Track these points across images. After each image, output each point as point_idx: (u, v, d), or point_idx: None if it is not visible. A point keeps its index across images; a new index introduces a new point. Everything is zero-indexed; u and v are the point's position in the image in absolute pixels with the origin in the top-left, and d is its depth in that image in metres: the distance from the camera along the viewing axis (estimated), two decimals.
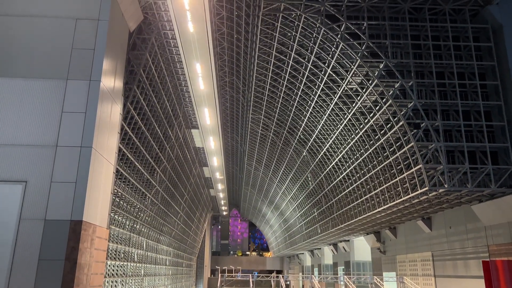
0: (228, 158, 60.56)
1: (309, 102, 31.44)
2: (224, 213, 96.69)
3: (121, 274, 27.12)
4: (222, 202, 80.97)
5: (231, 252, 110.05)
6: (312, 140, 36.56)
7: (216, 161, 51.90)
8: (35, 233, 17.57)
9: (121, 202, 26.94)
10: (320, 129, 33.75)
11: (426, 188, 22.24)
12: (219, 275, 36.76)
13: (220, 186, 66.57)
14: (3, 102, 19.29)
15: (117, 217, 26.37)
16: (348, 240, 50.30)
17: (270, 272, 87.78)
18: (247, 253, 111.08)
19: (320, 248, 64.11)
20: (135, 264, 30.86)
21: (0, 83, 19.54)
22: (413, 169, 23.17)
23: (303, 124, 35.63)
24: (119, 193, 25.76)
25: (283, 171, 50.59)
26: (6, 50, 20.28)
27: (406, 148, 23.37)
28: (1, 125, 18.91)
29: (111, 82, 21.64)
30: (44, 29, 20.68)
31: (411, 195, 23.81)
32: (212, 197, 76.64)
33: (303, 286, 70.67)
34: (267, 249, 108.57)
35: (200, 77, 31.57)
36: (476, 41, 24.49)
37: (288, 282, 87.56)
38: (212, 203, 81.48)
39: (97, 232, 19.94)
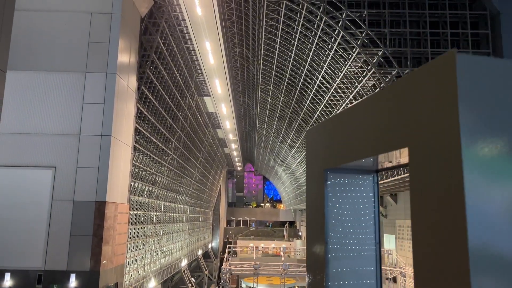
0: (240, 119, 62.46)
1: (319, 69, 31.76)
2: (239, 168, 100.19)
3: (141, 236, 30.23)
4: (236, 159, 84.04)
5: (246, 204, 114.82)
6: (315, 116, 38.04)
7: (228, 124, 54.01)
8: (66, 212, 20.19)
9: (139, 172, 29.47)
10: (323, 107, 35.15)
11: None
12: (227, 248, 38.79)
13: (233, 146, 69.13)
14: (30, 94, 21.28)
15: (136, 185, 28.98)
16: None
17: (283, 223, 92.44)
18: (261, 204, 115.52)
19: None
20: (154, 225, 33.91)
21: (25, 76, 21.46)
22: None
23: (309, 97, 36.98)
24: (137, 165, 28.18)
25: (292, 136, 52.49)
26: (28, 44, 21.77)
27: None
28: (31, 116, 21.09)
29: (126, 71, 23.32)
30: (62, 24, 22.03)
31: (403, 175, 25.65)
32: (226, 155, 79.55)
33: None
34: (280, 201, 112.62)
35: (210, 53, 32.91)
36: (475, 27, 24.93)
37: (300, 233, 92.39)
38: (226, 159, 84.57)
39: (119, 209, 22.59)
